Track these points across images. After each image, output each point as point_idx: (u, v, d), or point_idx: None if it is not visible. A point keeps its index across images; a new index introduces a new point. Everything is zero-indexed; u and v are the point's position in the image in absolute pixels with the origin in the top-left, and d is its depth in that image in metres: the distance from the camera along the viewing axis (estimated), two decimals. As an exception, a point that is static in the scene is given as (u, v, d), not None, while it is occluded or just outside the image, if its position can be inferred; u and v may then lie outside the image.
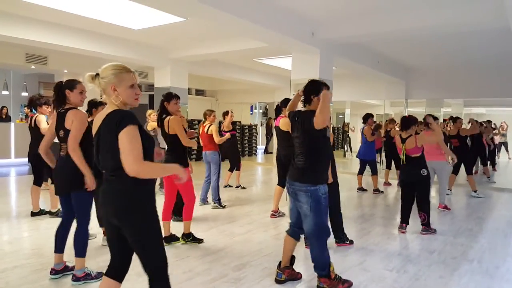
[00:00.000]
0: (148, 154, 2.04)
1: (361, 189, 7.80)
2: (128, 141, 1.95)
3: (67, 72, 9.97)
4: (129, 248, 2.15)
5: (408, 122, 4.84)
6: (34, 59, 8.64)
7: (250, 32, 5.46)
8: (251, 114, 17.62)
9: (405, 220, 4.97)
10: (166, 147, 4.24)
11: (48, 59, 8.83)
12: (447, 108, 11.52)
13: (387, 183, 8.56)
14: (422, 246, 4.43)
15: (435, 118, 6.02)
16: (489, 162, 10.30)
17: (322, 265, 3.08)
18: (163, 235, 4.03)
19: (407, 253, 4.17)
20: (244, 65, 10.24)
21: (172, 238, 4.19)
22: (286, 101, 4.97)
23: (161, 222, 2.25)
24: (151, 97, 11.71)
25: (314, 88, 3.02)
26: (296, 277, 3.35)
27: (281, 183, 5.37)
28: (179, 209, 4.53)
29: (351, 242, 4.37)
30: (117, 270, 2.21)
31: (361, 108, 13.13)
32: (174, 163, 3.54)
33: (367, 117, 7.52)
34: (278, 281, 3.28)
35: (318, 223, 3.02)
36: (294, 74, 6.51)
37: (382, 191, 7.75)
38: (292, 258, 3.35)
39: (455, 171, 7.60)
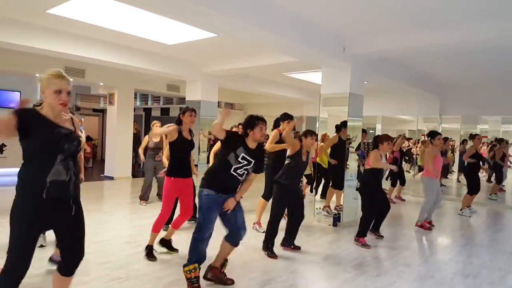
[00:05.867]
0: (42, 162, 2.18)
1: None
2: None
3: (103, 85, 10.34)
4: (66, 243, 2.37)
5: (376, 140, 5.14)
6: (72, 72, 9.01)
7: (281, 47, 5.49)
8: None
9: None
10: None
11: (86, 72, 9.18)
12: (483, 125, 11.08)
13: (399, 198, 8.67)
14: (456, 270, 4.24)
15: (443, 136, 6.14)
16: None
17: (190, 258, 3.31)
18: (149, 244, 4.11)
19: (440, 276, 4.00)
20: (273, 79, 10.28)
21: (151, 251, 4.13)
22: (285, 116, 5.33)
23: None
24: (182, 110, 11.94)
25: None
26: (225, 282, 3.47)
27: (265, 195, 5.42)
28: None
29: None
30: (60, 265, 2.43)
31: (393, 124, 12.84)
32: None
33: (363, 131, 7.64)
34: (204, 276, 3.49)
35: (199, 218, 3.36)
36: (324, 88, 6.46)
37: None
38: (224, 261, 3.52)
39: (470, 191, 7.31)
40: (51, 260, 3.65)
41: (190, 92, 8.73)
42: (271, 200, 4.73)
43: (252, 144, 3.38)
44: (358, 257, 4.49)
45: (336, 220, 6.01)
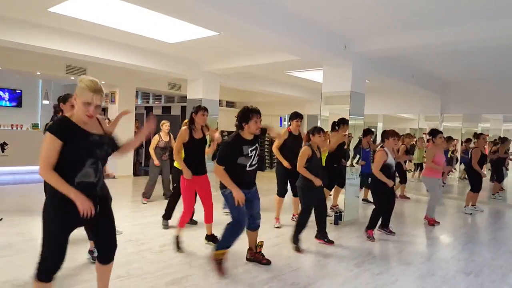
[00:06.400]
0: (72, 165, 2.25)
1: (365, 200, 7.84)
2: (43, 146, 2.20)
3: (104, 84, 10.35)
4: (97, 236, 2.63)
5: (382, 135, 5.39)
6: (74, 70, 9.02)
7: (282, 46, 5.48)
8: (280, 126, 17.57)
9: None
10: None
11: (87, 71, 9.18)
12: (485, 123, 11.06)
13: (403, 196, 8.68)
14: (458, 268, 4.24)
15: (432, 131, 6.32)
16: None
17: (221, 244, 3.68)
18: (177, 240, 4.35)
19: (442, 274, 4.00)
20: (275, 77, 10.27)
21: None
22: (295, 114, 5.50)
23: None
24: (183, 109, 11.94)
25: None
26: (261, 261, 3.99)
27: (279, 192, 5.61)
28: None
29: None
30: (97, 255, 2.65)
31: (394, 122, 12.81)
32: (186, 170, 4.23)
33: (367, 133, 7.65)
34: (246, 258, 4.10)
35: (233, 214, 3.65)
36: (325, 87, 6.46)
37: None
38: (258, 244, 4.03)
39: (473, 188, 7.31)
40: (90, 252, 3.89)
41: (191, 91, 8.73)
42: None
43: (249, 136, 3.58)
44: (360, 255, 4.49)
45: (338, 218, 6.01)
